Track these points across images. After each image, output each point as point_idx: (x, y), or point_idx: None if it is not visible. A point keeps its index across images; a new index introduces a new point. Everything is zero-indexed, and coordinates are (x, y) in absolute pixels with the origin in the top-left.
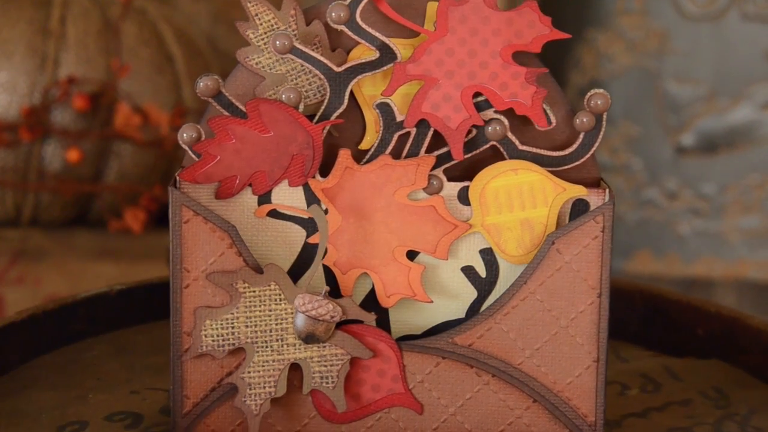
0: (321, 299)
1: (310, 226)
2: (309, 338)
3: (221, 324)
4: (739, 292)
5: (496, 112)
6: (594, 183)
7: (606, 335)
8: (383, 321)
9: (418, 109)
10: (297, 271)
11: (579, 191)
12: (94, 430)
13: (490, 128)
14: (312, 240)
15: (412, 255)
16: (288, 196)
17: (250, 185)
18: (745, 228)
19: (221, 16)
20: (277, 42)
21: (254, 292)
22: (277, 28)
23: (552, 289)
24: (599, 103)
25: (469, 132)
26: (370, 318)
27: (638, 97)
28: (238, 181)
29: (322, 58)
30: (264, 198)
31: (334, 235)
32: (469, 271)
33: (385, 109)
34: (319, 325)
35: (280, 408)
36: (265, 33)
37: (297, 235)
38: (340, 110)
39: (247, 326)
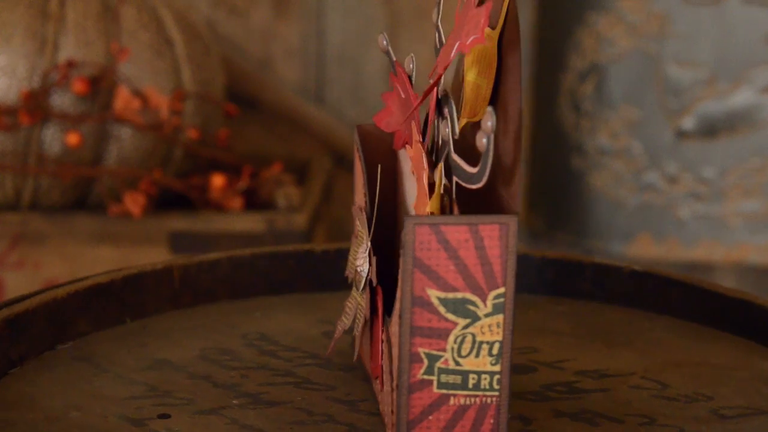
0: (364, 253)
1: None
2: (353, 283)
3: (351, 255)
4: (740, 276)
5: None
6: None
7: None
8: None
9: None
10: None
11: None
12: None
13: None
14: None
15: None
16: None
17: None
18: (745, 212)
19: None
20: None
21: (357, 230)
22: None
23: None
24: (488, 124)
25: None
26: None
27: (638, 81)
28: (399, 136)
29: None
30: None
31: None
32: None
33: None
34: (355, 273)
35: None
36: None
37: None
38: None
39: (353, 259)
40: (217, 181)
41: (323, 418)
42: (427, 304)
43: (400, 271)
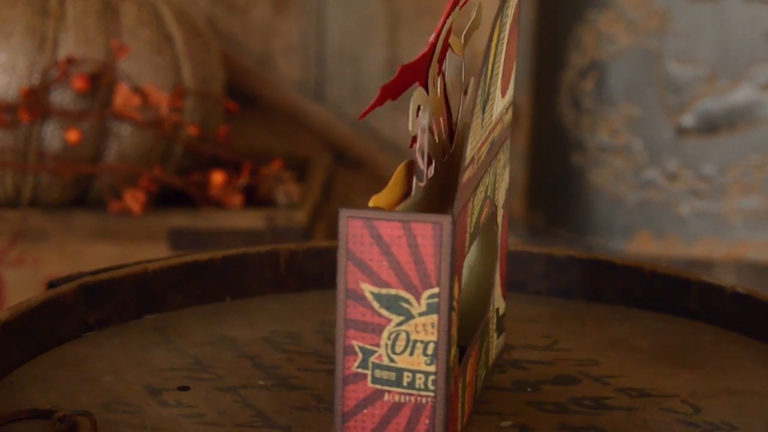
0: None
1: None
2: None
3: None
4: (739, 273)
5: None
6: None
7: None
8: None
9: None
10: None
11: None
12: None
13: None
14: None
15: None
16: None
17: None
18: (745, 209)
19: None
20: None
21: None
22: None
23: None
24: (422, 121)
25: None
26: None
27: (639, 78)
28: None
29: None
30: None
31: None
32: None
33: None
34: None
35: None
36: None
37: None
38: None
39: None
40: (217, 178)
41: (327, 406)
42: (360, 298)
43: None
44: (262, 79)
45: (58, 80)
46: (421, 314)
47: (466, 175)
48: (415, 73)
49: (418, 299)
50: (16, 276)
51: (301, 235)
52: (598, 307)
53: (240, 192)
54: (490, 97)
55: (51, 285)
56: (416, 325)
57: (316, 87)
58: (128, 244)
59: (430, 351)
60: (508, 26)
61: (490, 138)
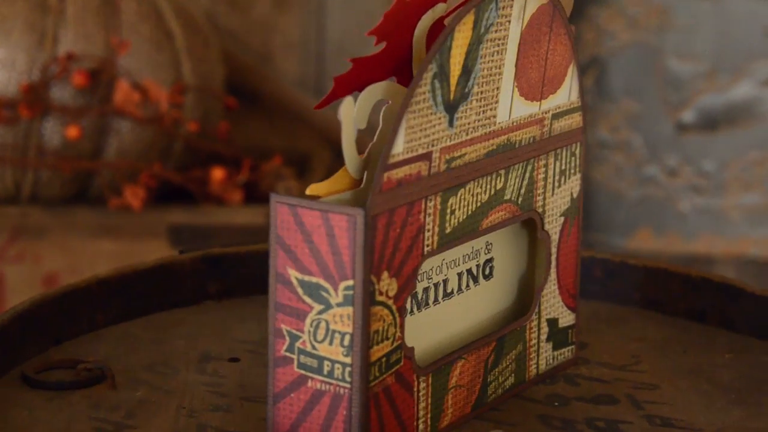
0: None
1: None
2: None
3: None
4: (740, 269)
5: None
6: None
7: None
8: None
9: None
10: None
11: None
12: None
13: None
14: None
15: None
16: None
17: None
18: (745, 205)
19: None
20: None
21: None
22: None
23: None
24: (339, 111)
25: None
26: None
27: (639, 74)
28: None
29: None
30: None
31: None
32: None
33: None
34: None
35: None
36: None
37: None
38: None
39: None
40: (217, 174)
41: None
42: (287, 283)
43: None
44: (262, 75)
45: (57, 76)
46: (338, 305)
47: (403, 172)
48: (375, 70)
49: (336, 290)
50: (16, 272)
51: None
52: (720, 333)
53: (240, 188)
54: (472, 95)
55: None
56: (334, 315)
57: (316, 83)
58: (128, 240)
59: (346, 342)
60: (513, 27)
61: (497, 140)
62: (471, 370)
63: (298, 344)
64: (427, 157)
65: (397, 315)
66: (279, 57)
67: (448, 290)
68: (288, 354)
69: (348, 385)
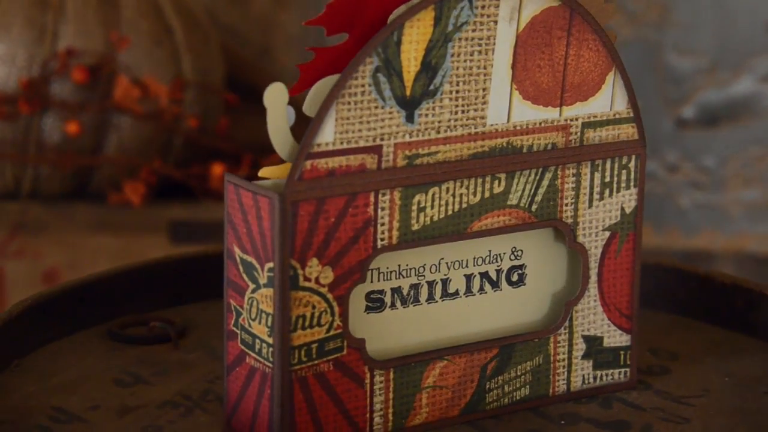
0: None
1: None
2: None
3: None
4: (740, 265)
5: None
6: None
7: None
8: None
9: None
10: None
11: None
12: None
13: None
14: None
15: None
16: None
17: None
18: (745, 201)
19: None
20: None
21: None
22: None
23: None
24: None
25: None
26: None
27: (639, 69)
28: None
29: None
30: None
31: None
32: None
33: None
34: None
35: None
36: None
37: None
38: None
39: None
40: (217, 170)
41: None
42: (233, 260)
43: None
44: (263, 70)
45: (57, 72)
46: (264, 285)
47: (337, 162)
48: (340, 60)
49: (262, 270)
50: (16, 268)
51: None
52: None
53: None
54: (441, 93)
55: None
56: (261, 296)
57: None
58: (128, 236)
59: (269, 323)
60: (502, 27)
61: (491, 143)
62: (459, 373)
63: (240, 320)
64: (374, 150)
65: (334, 303)
66: (279, 52)
67: (450, 291)
68: (234, 329)
69: (271, 365)
